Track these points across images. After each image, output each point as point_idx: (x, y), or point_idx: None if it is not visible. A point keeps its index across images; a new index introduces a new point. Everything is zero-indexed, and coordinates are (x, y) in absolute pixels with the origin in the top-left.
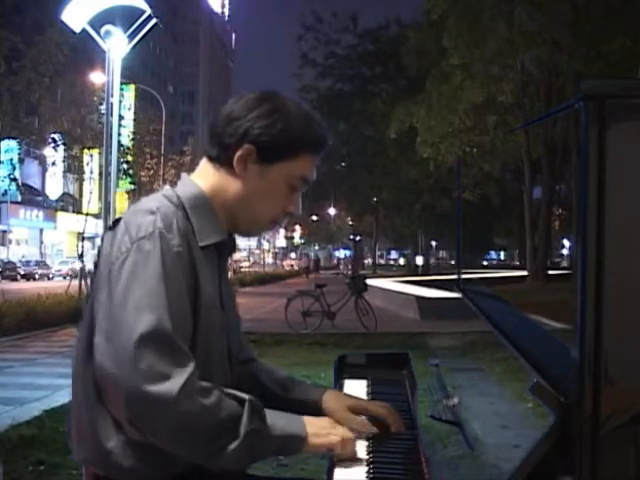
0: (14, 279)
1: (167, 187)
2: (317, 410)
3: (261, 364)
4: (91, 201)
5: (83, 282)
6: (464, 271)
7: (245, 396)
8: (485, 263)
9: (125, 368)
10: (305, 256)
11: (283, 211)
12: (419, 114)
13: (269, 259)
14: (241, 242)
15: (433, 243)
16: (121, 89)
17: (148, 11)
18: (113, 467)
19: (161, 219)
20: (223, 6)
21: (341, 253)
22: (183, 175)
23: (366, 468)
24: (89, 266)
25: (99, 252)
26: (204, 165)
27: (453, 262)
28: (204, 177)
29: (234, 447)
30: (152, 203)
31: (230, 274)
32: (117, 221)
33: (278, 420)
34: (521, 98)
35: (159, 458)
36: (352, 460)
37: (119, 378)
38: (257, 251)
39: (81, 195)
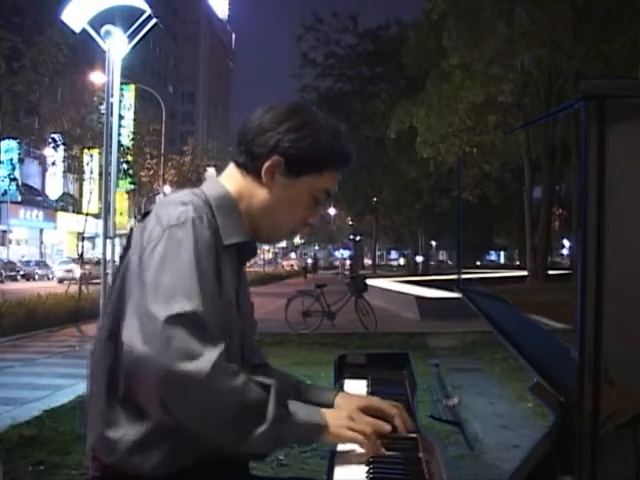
0: (14, 279)
1: (166, 188)
2: None
3: (273, 369)
4: (91, 201)
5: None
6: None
7: (270, 382)
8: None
9: (157, 347)
10: (304, 256)
11: (303, 222)
12: (419, 114)
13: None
14: None
15: (433, 243)
16: (121, 89)
17: (148, 11)
18: (119, 456)
19: (194, 209)
20: (223, 6)
21: (340, 253)
22: (211, 176)
23: (366, 468)
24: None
25: (127, 245)
26: (231, 169)
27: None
28: (231, 181)
29: (261, 431)
30: (183, 197)
31: None
32: (146, 214)
33: (300, 409)
34: (521, 98)
35: (164, 452)
36: (376, 454)
37: (150, 357)
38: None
39: (81, 195)
